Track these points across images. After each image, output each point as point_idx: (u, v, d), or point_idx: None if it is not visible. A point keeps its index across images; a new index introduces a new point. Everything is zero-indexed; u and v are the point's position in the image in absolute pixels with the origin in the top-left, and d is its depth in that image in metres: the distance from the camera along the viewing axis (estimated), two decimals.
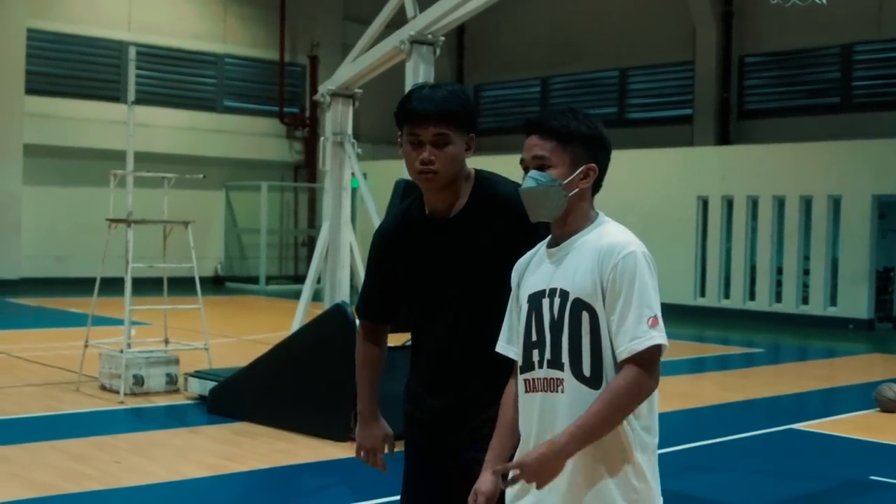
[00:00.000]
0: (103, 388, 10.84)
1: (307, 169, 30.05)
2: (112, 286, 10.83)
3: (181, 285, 11.71)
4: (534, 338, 3.13)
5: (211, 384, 10.06)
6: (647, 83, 29.19)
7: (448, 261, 3.49)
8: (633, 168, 23.92)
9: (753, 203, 21.64)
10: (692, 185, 22.48)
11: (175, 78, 27.54)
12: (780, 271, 21.40)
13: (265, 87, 29.55)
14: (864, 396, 11.66)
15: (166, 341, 11.36)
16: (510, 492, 3.15)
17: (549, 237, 3.24)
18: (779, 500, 7.28)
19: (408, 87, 9.28)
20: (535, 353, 3.12)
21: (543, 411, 3.08)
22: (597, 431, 2.93)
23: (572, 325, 3.04)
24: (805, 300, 21.05)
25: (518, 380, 3.21)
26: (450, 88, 3.60)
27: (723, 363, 14.68)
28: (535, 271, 3.21)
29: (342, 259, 10.32)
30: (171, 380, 10.82)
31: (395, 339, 9.77)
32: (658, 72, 28.74)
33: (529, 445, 3.12)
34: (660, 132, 27.05)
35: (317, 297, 11.06)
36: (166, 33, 27.22)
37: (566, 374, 3.04)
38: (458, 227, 3.47)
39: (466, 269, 3.52)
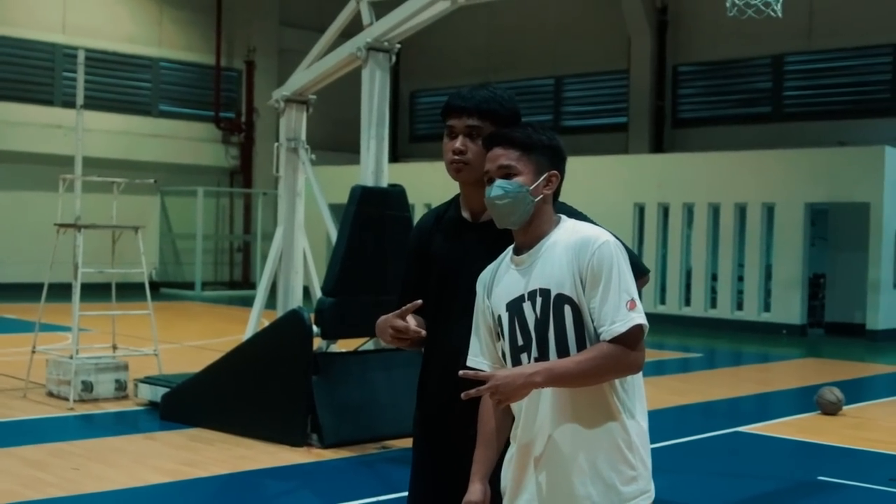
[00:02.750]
0: (51, 394, 10.73)
1: (243, 174, 29.92)
2: (50, 292, 10.72)
3: (119, 291, 11.62)
4: (520, 342, 3.21)
5: (162, 390, 10.02)
6: (583, 91, 29.51)
7: (472, 261, 3.56)
8: (569, 175, 23.71)
9: (689, 210, 21.98)
10: (628, 193, 22.75)
11: (110, 81, 27.24)
12: (714, 277, 21.75)
13: (201, 92, 29.35)
14: (802, 400, 11.94)
15: (114, 347, 11.28)
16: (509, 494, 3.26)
17: (512, 247, 3.32)
18: (734, 501, 7.45)
19: (364, 94, 9.39)
20: (524, 356, 3.20)
21: (529, 407, 3.18)
22: (569, 376, 3.03)
23: (556, 320, 3.14)
24: (740, 306, 21.42)
25: None
26: (495, 90, 3.69)
27: (659, 368, 14.92)
28: (503, 281, 3.29)
29: (296, 265, 10.33)
30: (121, 386, 10.75)
31: (349, 345, 9.84)
32: (593, 80, 29.07)
33: (517, 446, 3.23)
34: (595, 140, 27.35)
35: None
36: (101, 37, 26.94)
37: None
38: (487, 230, 3.54)
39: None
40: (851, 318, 21.23)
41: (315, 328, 9.00)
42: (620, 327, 3.06)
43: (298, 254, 10.37)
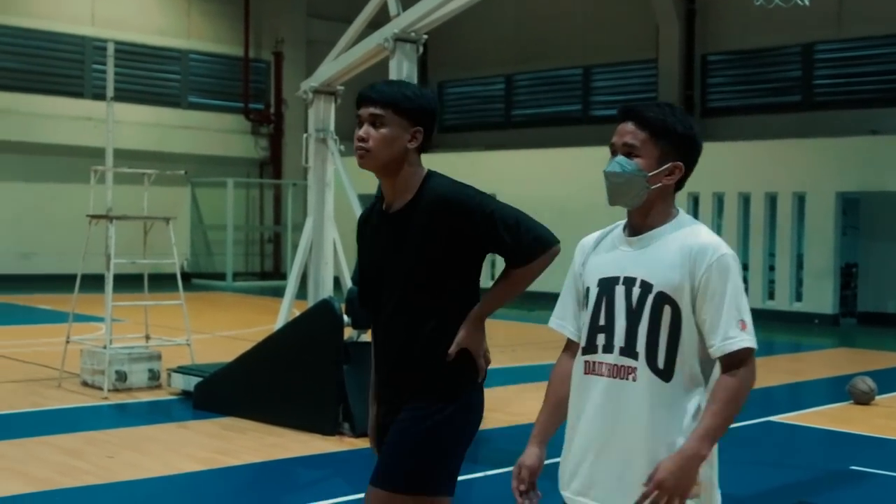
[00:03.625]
0: (85, 384, 10.83)
1: (272, 165, 30.02)
2: (83, 283, 10.81)
3: (151, 282, 11.71)
4: (601, 322, 3.17)
5: (195, 380, 10.09)
6: (611, 81, 29.42)
7: (388, 253, 3.66)
8: (597, 165, 23.93)
9: (719, 200, 21.88)
10: None
11: (140, 74, 27.42)
12: (746, 267, 21.65)
13: (230, 84, 29.48)
14: (835, 389, 11.89)
15: (147, 337, 11.37)
16: (568, 468, 3.25)
17: (624, 223, 3.29)
18: (766, 490, 7.43)
19: None
20: (601, 336, 3.17)
21: (610, 398, 3.13)
22: (721, 430, 3.02)
23: (653, 316, 3.08)
24: (771, 295, 21.33)
25: (577, 360, 3.26)
26: (406, 83, 3.80)
27: None
28: (604, 254, 3.26)
29: (326, 255, 10.37)
30: (154, 375, 10.83)
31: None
32: (622, 70, 28.98)
33: (579, 425, 3.21)
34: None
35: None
36: (130, 29, 27.09)
37: (640, 364, 3.10)
38: (400, 222, 3.61)
39: (403, 263, 3.64)
40: (884, 307, 21.12)
41: (346, 318, 9.05)
42: (731, 345, 3.03)
43: (328, 244, 10.41)
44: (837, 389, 11.65)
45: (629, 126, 3.19)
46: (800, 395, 12.66)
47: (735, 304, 3.05)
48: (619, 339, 3.13)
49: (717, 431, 3.00)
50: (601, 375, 3.17)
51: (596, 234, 3.36)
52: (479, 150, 27.89)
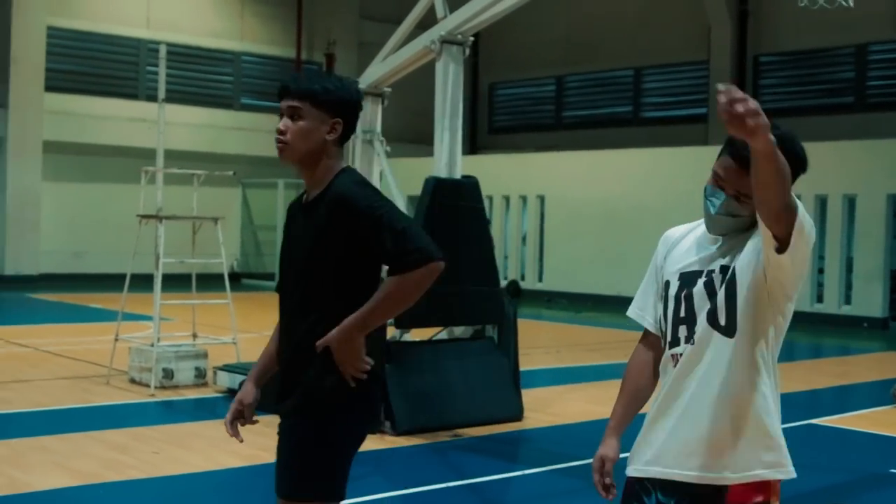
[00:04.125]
0: (133, 381, 11.02)
1: None
2: (133, 282, 10.98)
3: (200, 281, 11.88)
4: (682, 314, 3.19)
5: (241, 377, 10.21)
6: (662, 82, 29.33)
7: (295, 243, 3.71)
8: (648, 167, 24.11)
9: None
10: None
11: (193, 76, 27.76)
12: None
13: None
14: (880, 393, 11.82)
15: (194, 336, 11.55)
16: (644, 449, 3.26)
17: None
18: (804, 492, 7.41)
19: (437, 87, 9.50)
20: (683, 328, 3.19)
21: (692, 383, 3.15)
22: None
23: (728, 292, 3.11)
24: (819, 298, 21.18)
25: (666, 355, 3.26)
26: (329, 75, 3.78)
27: None
28: (688, 250, 3.27)
29: None
30: (200, 373, 11.00)
31: (424, 334, 9.98)
32: (673, 71, 28.87)
33: (660, 413, 3.21)
34: (675, 131, 27.19)
35: None
36: (184, 31, 27.44)
37: (713, 339, 3.12)
38: (308, 214, 3.66)
39: (301, 256, 3.67)
40: None
41: None
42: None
43: None
44: (883, 393, 11.59)
45: (728, 160, 3.16)
46: (845, 399, 12.59)
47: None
48: (698, 329, 3.16)
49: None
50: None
51: (682, 228, 3.38)
52: (530, 152, 27.93)
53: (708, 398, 3.11)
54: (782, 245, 2.95)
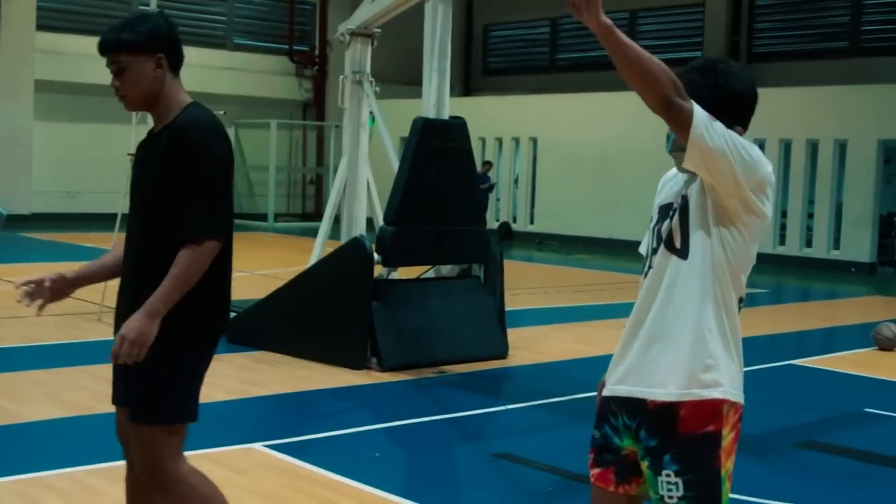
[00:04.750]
0: None
1: (316, 107, 30.20)
2: (124, 221, 11.06)
3: None
4: (654, 244, 3.30)
5: (232, 314, 10.35)
6: (657, 25, 29.24)
7: (138, 175, 3.83)
8: (640, 110, 23.90)
9: (760, 146, 21.65)
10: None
11: (184, 15, 27.59)
12: (784, 214, 21.65)
13: (275, 25, 29.64)
14: (863, 336, 11.98)
15: None
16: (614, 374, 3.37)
17: None
18: (781, 429, 7.59)
19: (426, 28, 9.54)
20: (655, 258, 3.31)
21: (643, 295, 3.27)
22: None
23: (682, 209, 3.22)
24: (808, 243, 21.33)
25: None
26: (132, 18, 3.86)
27: None
28: (672, 185, 3.40)
29: (359, 195, 10.58)
30: None
31: (411, 273, 10.12)
32: (668, 13, 28.78)
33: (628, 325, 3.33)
34: None
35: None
36: None
37: (660, 252, 3.24)
38: (151, 146, 3.76)
39: (139, 190, 3.80)
40: None
41: (376, 256, 9.27)
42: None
43: (362, 185, 10.61)
44: (866, 336, 11.75)
45: None
46: (829, 341, 12.76)
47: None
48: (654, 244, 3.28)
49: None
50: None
51: (675, 169, 3.47)
52: (523, 94, 27.91)
53: (663, 319, 3.22)
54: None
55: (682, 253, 3.21)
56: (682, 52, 28.41)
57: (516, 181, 27.06)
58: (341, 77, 10.70)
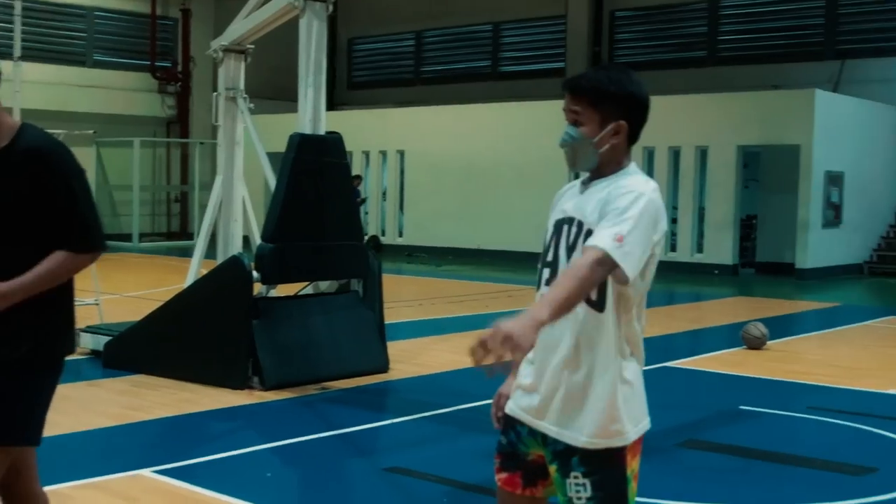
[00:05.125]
0: None
1: (180, 124, 29.82)
2: None
3: None
4: (549, 258, 3.39)
5: (105, 339, 10.17)
6: (521, 37, 29.69)
7: None
8: (506, 121, 24.44)
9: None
10: None
11: (42, 31, 26.98)
12: None
13: (136, 41, 29.18)
14: (731, 336, 12.36)
15: None
16: (515, 397, 3.47)
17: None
18: (662, 430, 7.75)
19: (301, 43, 9.53)
20: (547, 271, 3.38)
21: (553, 328, 3.23)
22: (563, 300, 3.04)
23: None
24: (673, 247, 21.86)
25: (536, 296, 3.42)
26: None
27: None
28: (565, 201, 3.47)
29: (235, 213, 10.50)
30: None
31: (290, 290, 10.07)
32: (531, 26, 29.25)
33: (533, 351, 3.33)
34: (533, 85, 27.59)
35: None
36: None
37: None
38: (6, 158, 3.70)
39: None
40: (781, 257, 21.80)
41: (255, 273, 9.21)
42: (598, 243, 3.11)
43: (238, 202, 10.53)
44: (734, 336, 12.12)
45: (569, 97, 3.39)
46: (698, 342, 13.11)
47: (622, 217, 3.17)
48: (558, 273, 3.34)
49: (559, 301, 3.03)
50: None
51: (570, 183, 3.56)
52: (389, 107, 28.00)
53: (577, 372, 3.32)
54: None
55: (599, 306, 3.29)
56: (544, 63, 28.91)
57: (384, 194, 27.11)
58: (215, 94, 10.61)
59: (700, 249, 21.71)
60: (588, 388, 3.30)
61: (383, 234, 26.81)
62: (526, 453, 3.46)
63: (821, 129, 20.49)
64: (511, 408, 3.50)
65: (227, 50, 10.50)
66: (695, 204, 21.72)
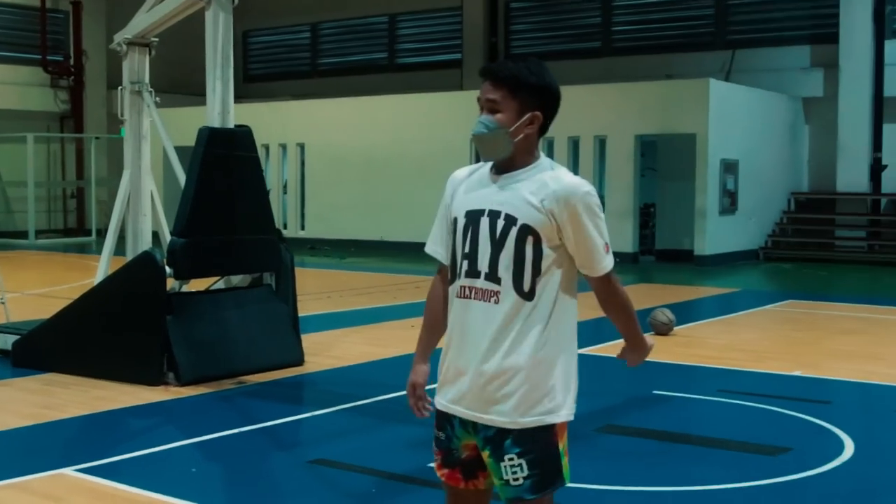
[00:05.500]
0: None
1: (74, 119, 29.24)
2: None
3: None
4: (466, 249, 3.46)
5: (13, 338, 9.98)
6: (417, 28, 29.74)
7: None
8: (405, 112, 24.48)
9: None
10: (464, 129, 23.02)
11: None
12: None
13: (26, 35, 28.51)
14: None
15: None
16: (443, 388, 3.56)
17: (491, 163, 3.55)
18: (579, 416, 7.88)
19: (208, 36, 9.45)
20: (466, 263, 3.45)
21: (477, 318, 3.43)
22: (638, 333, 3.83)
23: (518, 246, 3.38)
24: None
25: (454, 286, 3.52)
26: None
27: None
28: (473, 190, 3.53)
29: (144, 208, 10.37)
30: None
31: (201, 284, 10.00)
32: (427, 17, 29.32)
33: (452, 343, 3.50)
34: (431, 77, 27.68)
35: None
36: None
37: (503, 288, 3.40)
38: None
39: None
40: (680, 244, 22.20)
41: (167, 269, 9.12)
42: (605, 268, 3.50)
43: (146, 197, 10.40)
44: (640, 322, 12.29)
45: (488, 84, 3.46)
46: (605, 329, 13.25)
47: (599, 231, 3.44)
48: (483, 265, 3.42)
49: (638, 327, 3.77)
50: (471, 299, 3.45)
51: (466, 169, 3.63)
52: (286, 100, 27.82)
53: (506, 359, 3.42)
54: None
55: (529, 296, 3.41)
56: (441, 54, 29.01)
57: (285, 187, 26.95)
58: (119, 88, 10.44)
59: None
60: (517, 372, 3.39)
61: (285, 227, 26.63)
62: (460, 448, 3.55)
63: (715, 118, 20.92)
64: (441, 403, 3.57)
65: (130, 43, 10.36)
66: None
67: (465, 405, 3.47)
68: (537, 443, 3.42)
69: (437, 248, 3.64)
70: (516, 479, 3.42)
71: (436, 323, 3.64)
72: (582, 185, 3.42)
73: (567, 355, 3.52)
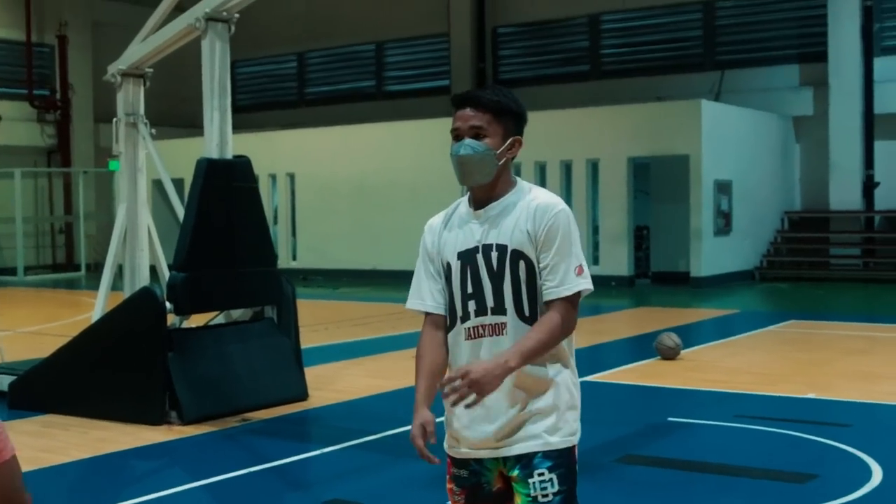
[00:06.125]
0: None
1: (61, 153, 29.04)
2: None
3: None
4: (469, 290, 3.41)
5: (8, 378, 9.75)
6: (404, 56, 29.65)
7: None
8: (394, 140, 24.35)
9: (516, 170, 22.24)
10: None
11: None
12: None
13: (12, 69, 28.33)
14: (640, 347, 12.40)
15: None
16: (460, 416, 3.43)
17: (467, 199, 3.50)
18: (597, 446, 7.70)
19: (205, 66, 9.28)
20: (472, 303, 3.40)
21: (489, 355, 3.35)
22: (534, 353, 3.28)
23: (513, 273, 3.35)
24: None
25: (458, 330, 3.45)
26: None
27: None
28: (457, 230, 3.47)
29: (141, 242, 10.16)
30: None
31: (200, 319, 9.80)
32: (414, 44, 29.24)
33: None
34: (418, 104, 27.57)
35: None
36: None
37: (509, 317, 3.36)
38: None
39: None
40: (675, 266, 22.08)
41: (168, 304, 8.92)
42: (567, 290, 3.32)
43: (143, 231, 10.20)
44: (642, 346, 12.17)
45: (468, 111, 3.43)
46: (608, 355, 13.12)
47: (572, 251, 3.36)
48: (490, 300, 3.38)
49: (531, 352, 3.26)
50: (483, 337, 3.40)
51: (441, 215, 3.57)
52: (274, 130, 27.66)
53: (524, 385, 3.37)
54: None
55: (531, 320, 3.38)
56: (429, 81, 28.91)
57: (275, 218, 26.75)
58: (115, 120, 10.25)
59: (596, 262, 21.84)
60: (541, 399, 3.37)
61: (276, 258, 26.40)
62: (492, 482, 3.47)
63: (708, 139, 20.83)
64: (464, 452, 3.48)
65: (125, 74, 10.17)
66: (588, 217, 21.86)
67: (494, 444, 3.41)
68: (565, 460, 3.41)
69: (422, 301, 3.55)
70: (545, 496, 3.37)
71: (436, 369, 3.52)
72: (557, 204, 3.42)
73: (571, 372, 3.48)
